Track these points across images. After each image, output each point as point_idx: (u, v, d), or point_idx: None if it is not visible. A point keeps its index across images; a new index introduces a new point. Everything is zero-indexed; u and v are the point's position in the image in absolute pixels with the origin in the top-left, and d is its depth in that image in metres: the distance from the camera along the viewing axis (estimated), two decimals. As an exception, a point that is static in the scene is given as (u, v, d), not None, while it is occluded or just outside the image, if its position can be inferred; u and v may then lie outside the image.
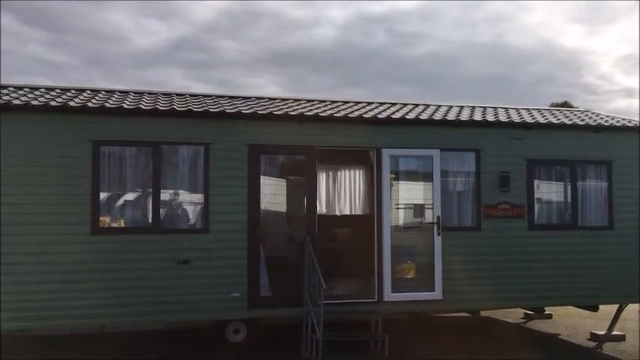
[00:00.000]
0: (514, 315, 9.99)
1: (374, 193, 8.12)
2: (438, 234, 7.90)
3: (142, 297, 6.99)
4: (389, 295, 7.74)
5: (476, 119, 8.43)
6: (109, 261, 6.97)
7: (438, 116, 8.42)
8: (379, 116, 8.07)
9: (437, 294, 7.84)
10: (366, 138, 7.93)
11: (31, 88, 8.05)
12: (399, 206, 8.31)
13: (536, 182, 8.48)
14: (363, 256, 8.63)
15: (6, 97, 7.09)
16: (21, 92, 7.65)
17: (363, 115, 8.03)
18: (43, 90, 7.99)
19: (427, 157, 8.04)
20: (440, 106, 9.45)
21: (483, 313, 9.60)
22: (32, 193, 6.81)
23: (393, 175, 8.16)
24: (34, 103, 6.94)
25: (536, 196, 8.46)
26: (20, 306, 6.65)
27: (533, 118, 8.96)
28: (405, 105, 9.28)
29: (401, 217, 8.38)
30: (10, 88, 7.87)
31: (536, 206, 8.47)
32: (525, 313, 10.00)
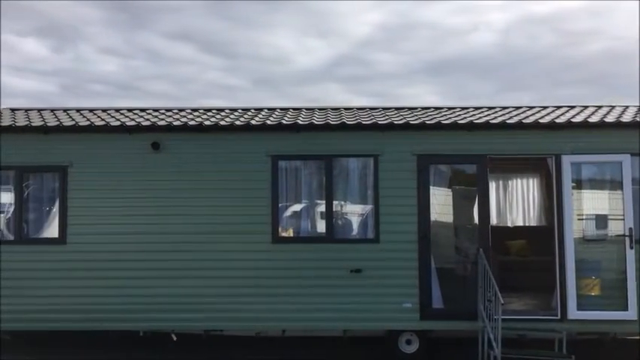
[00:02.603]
0: None
1: (552, 202, 7.61)
2: (631, 247, 7.15)
3: (318, 304, 7.31)
4: (574, 313, 7.16)
5: (674, 119, 7.49)
6: (288, 268, 7.41)
7: (626, 118, 7.65)
8: (557, 121, 7.56)
9: (631, 314, 7.09)
10: (544, 144, 7.47)
11: (217, 109, 8.90)
12: (582, 217, 7.68)
13: None
14: (540, 270, 8.13)
15: (199, 119, 7.92)
16: (210, 114, 8.49)
17: (539, 121, 7.58)
18: (227, 110, 8.79)
19: (615, 163, 7.33)
20: (627, 106, 8.57)
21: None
22: (219, 204, 7.51)
23: (574, 184, 7.58)
24: (222, 123, 7.66)
25: None
26: (210, 307, 7.35)
27: None
28: (586, 107, 8.57)
29: (583, 229, 7.74)
30: (201, 110, 8.78)
31: None
32: None
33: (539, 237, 9.13)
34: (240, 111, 8.86)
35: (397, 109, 9.01)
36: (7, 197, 7.78)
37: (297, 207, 7.85)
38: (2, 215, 7.79)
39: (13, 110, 9.09)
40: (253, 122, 7.71)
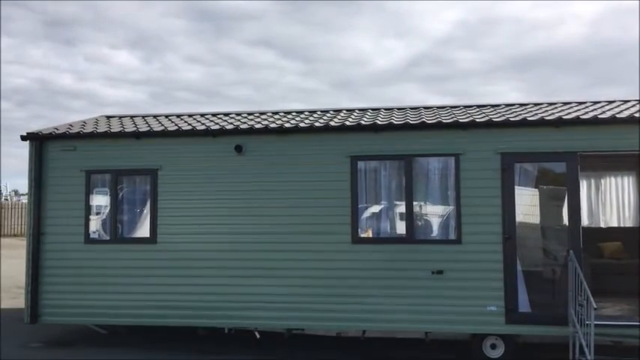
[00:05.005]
0: None
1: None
2: None
3: (399, 305, 7.25)
4: (676, 320, 6.66)
5: None
6: (368, 269, 7.40)
7: None
8: (655, 114, 7.06)
9: None
10: (640, 140, 7.01)
11: (297, 112, 9.05)
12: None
13: None
14: (637, 273, 7.63)
15: (279, 122, 8.09)
16: (290, 116, 8.65)
17: (635, 115, 7.11)
18: (307, 113, 8.92)
19: None
20: None
21: None
22: (300, 205, 7.62)
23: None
24: (302, 125, 7.77)
25: None
26: (291, 307, 7.48)
27: None
28: (687, 99, 7.96)
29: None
30: (281, 113, 8.97)
31: None
32: None
33: (635, 238, 8.58)
34: (319, 113, 8.96)
35: (479, 106, 8.77)
36: (103, 199, 8.30)
37: (376, 208, 7.82)
38: (98, 216, 8.31)
39: (108, 117, 9.70)
40: (332, 123, 7.76)
